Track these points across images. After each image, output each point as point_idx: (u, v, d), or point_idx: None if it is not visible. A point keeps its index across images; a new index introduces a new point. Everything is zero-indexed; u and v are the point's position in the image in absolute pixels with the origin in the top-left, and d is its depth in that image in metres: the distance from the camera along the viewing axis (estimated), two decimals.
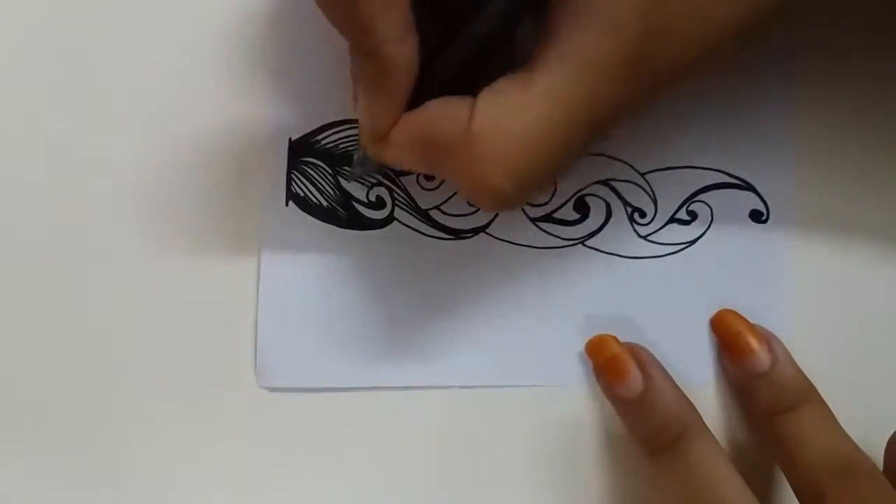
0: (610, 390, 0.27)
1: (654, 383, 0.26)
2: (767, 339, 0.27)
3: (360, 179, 0.26)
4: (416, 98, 0.21)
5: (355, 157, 0.25)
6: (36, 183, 0.26)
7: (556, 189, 0.27)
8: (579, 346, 0.27)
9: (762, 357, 0.27)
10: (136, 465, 0.26)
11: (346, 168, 0.26)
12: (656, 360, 0.27)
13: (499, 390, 0.27)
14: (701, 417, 0.26)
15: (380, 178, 0.26)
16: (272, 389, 0.27)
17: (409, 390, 0.27)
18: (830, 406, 0.26)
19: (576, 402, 0.28)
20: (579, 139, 0.20)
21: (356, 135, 0.26)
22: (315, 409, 0.27)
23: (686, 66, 0.20)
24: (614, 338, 0.27)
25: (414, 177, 0.27)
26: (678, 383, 0.27)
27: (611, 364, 0.27)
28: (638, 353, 0.27)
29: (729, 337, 0.27)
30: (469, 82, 0.21)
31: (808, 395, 0.26)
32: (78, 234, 0.26)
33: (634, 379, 0.26)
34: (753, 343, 0.27)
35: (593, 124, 0.20)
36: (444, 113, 0.21)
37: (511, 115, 0.20)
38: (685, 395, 0.26)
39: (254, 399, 0.27)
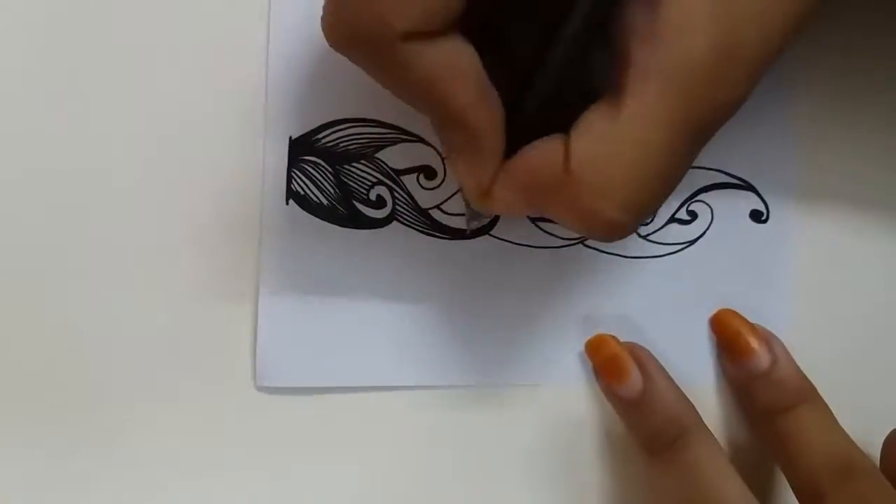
0: (610, 390, 0.27)
1: (654, 383, 0.26)
2: (767, 338, 0.27)
3: (368, 171, 0.26)
4: (509, 146, 0.21)
5: (466, 213, 0.25)
6: (31, 177, 0.26)
7: None
8: (579, 345, 0.27)
9: (762, 357, 0.27)
10: (133, 464, 0.26)
11: (356, 145, 0.26)
12: (656, 360, 0.27)
13: (499, 390, 0.27)
14: (701, 417, 0.26)
15: (380, 176, 0.26)
16: (271, 389, 0.26)
17: (409, 390, 0.27)
18: (830, 406, 0.26)
19: (576, 402, 0.28)
20: (684, 151, 0.20)
21: (357, 133, 0.26)
22: (314, 408, 0.27)
23: (769, 52, 0.19)
24: (614, 338, 0.27)
25: (414, 176, 0.26)
26: (678, 383, 0.27)
27: (611, 364, 0.27)
28: (638, 353, 0.27)
29: (729, 337, 0.27)
30: (555, 122, 0.21)
31: (807, 394, 0.26)
32: (76, 233, 0.26)
33: (634, 379, 0.26)
34: (753, 343, 0.27)
35: (695, 133, 0.20)
36: (539, 157, 0.21)
37: (609, 145, 0.19)
38: (685, 396, 0.26)
39: (252, 398, 0.26)
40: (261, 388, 0.26)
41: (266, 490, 0.27)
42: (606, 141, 0.20)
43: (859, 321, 0.28)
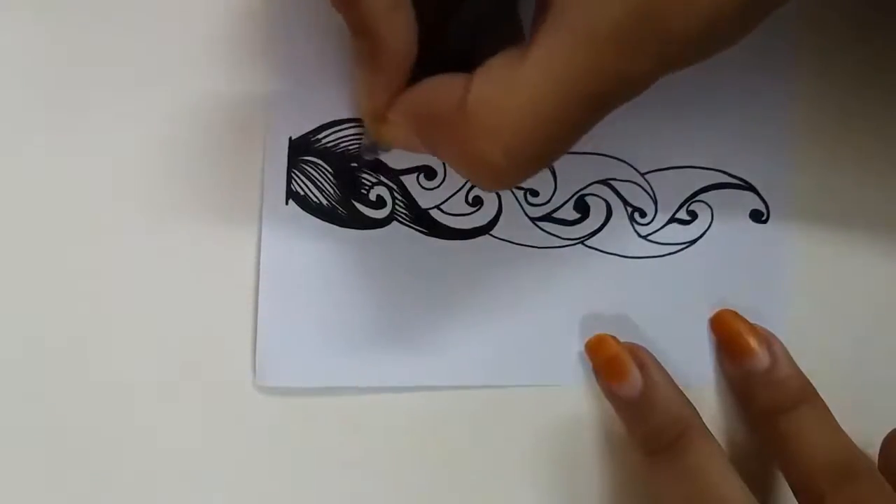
0: (609, 390, 0.27)
1: (654, 383, 0.26)
2: (767, 338, 0.27)
3: (366, 170, 0.26)
4: (418, 78, 0.21)
5: (363, 142, 0.25)
6: (34, 191, 0.26)
7: (556, 188, 0.27)
8: (579, 346, 0.27)
9: (761, 357, 0.27)
10: (132, 464, 0.26)
11: (357, 146, 0.26)
12: (656, 360, 0.27)
13: (499, 390, 0.27)
14: (700, 418, 0.26)
15: (380, 177, 0.26)
16: (270, 389, 0.26)
17: (409, 390, 0.27)
18: (830, 406, 0.26)
19: (576, 402, 0.28)
20: (579, 113, 0.19)
21: (357, 134, 0.26)
22: (313, 408, 0.27)
23: (690, 40, 0.19)
24: (614, 338, 0.27)
25: (414, 176, 0.26)
26: (678, 383, 0.27)
27: (610, 364, 0.27)
28: (638, 353, 0.27)
29: (728, 337, 0.27)
30: (470, 62, 0.20)
31: (807, 394, 0.26)
32: (77, 231, 0.26)
33: (634, 379, 0.26)
34: (753, 343, 0.27)
35: (593, 98, 0.19)
36: (439, 88, 0.20)
37: (506, 89, 0.19)
38: (685, 395, 0.26)
39: (252, 398, 0.26)
40: (260, 388, 0.26)
41: (266, 490, 0.27)
42: (505, 85, 0.19)
43: (859, 321, 0.28)
